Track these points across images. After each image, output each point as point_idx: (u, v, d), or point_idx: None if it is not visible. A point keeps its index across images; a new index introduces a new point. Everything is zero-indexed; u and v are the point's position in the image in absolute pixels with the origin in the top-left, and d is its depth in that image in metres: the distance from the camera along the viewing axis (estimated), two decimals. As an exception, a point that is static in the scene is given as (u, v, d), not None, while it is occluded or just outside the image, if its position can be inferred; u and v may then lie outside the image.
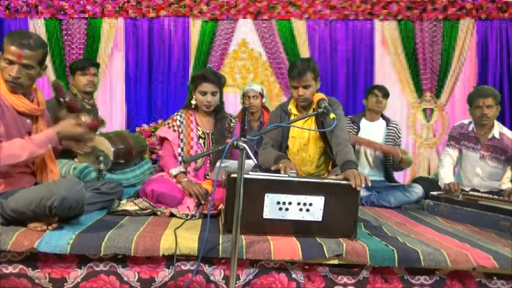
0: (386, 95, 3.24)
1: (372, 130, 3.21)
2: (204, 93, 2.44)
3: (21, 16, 4.79)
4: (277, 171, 2.09)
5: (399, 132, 3.28)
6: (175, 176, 2.35)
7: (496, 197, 2.61)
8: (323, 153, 2.51)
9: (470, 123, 2.95)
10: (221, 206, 2.11)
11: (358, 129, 3.20)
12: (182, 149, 2.45)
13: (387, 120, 3.28)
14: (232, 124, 2.60)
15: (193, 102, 2.50)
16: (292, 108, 2.51)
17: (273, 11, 4.82)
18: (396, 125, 3.28)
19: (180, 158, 2.43)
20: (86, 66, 2.96)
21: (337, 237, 1.82)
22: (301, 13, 4.82)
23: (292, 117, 2.47)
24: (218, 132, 2.49)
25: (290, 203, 1.79)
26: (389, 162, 3.18)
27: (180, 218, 2.13)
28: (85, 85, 2.95)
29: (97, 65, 3.10)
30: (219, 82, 2.47)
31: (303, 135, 2.49)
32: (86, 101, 2.99)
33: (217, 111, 2.54)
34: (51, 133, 1.80)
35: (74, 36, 4.80)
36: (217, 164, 2.13)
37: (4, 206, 1.71)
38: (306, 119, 2.46)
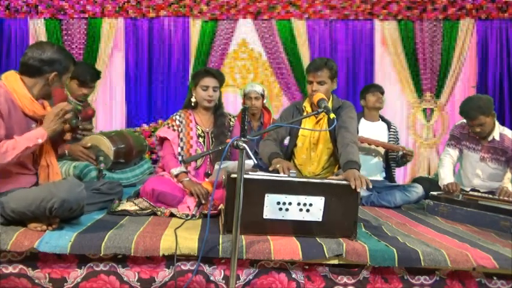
0: (382, 92, 3.28)
1: (373, 131, 3.20)
2: (206, 88, 2.46)
3: (21, 16, 4.79)
4: (276, 171, 2.09)
5: (398, 135, 3.37)
6: (176, 176, 2.35)
7: (496, 197, 2.61)
8: (331, 154, 2.51)
9: (471, 123, 2.94)
10: (221, 206, 2.11)
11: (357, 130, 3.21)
12: (182, 148, 2.45)
13: (388, 123, 3.31)
14: (231, 123, 2.61)
15: (193, 100, 2.52)
16: (306, 105, 2.53)
17: (273, 11, 4.82)
18: (395, 127, 3.35)
19: (180, 158, 2.43)
20: (86, 81, 2.87)
21: (337, 237, 1.82)
22: (301, 13, 4.82)
23: (304, 115, 2.47)
24: (218, 130, 2.50)
25: (290, 203, 1.79)
26: (392, 160, 3.21)
27: (180, 218, 2.13)
28: (78, 95, 2.90)
29: (98, 78, 3.01)
30: (220, 77, 2.52)
31: (313, 134, 2.50)
32: (76, 102, 2.97)
33: (217, 109, 2.57)
34: (39, 129, 1.80)
35: (74, 36, 4.79)
36: (216, 166, 2.13)
37: (4, 206, 1.71)
38: (318, 118, 2.49)
